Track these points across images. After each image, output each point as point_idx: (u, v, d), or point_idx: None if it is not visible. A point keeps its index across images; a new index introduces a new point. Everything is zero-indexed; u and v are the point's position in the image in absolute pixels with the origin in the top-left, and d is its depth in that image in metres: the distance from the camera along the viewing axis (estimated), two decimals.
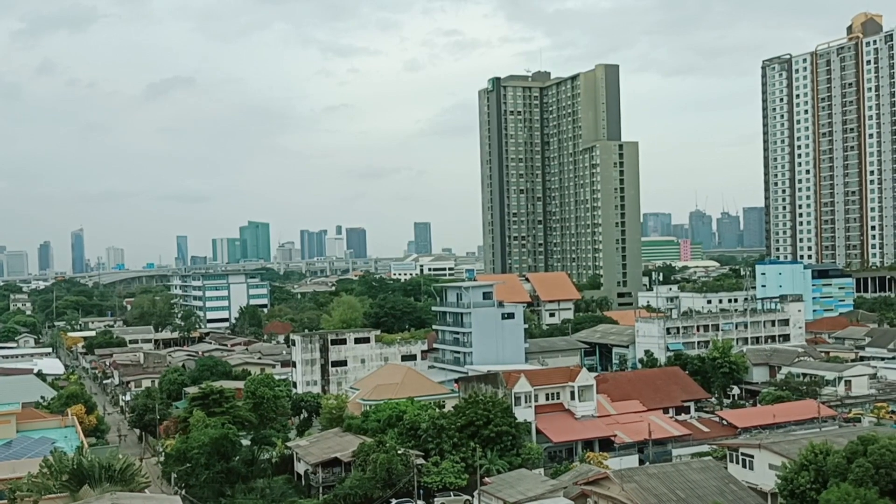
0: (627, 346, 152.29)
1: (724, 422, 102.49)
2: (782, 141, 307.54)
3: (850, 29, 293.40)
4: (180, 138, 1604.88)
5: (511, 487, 77.01)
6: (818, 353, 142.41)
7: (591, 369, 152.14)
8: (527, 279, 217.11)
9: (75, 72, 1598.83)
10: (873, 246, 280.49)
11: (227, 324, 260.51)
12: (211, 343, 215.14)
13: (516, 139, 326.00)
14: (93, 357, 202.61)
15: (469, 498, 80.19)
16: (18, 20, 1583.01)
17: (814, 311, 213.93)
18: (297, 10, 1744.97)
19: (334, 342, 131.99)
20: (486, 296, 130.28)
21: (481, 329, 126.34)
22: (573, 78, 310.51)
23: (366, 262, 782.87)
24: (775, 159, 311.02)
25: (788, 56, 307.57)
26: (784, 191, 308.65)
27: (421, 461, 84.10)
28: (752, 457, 76.72)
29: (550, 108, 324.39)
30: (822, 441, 68.35)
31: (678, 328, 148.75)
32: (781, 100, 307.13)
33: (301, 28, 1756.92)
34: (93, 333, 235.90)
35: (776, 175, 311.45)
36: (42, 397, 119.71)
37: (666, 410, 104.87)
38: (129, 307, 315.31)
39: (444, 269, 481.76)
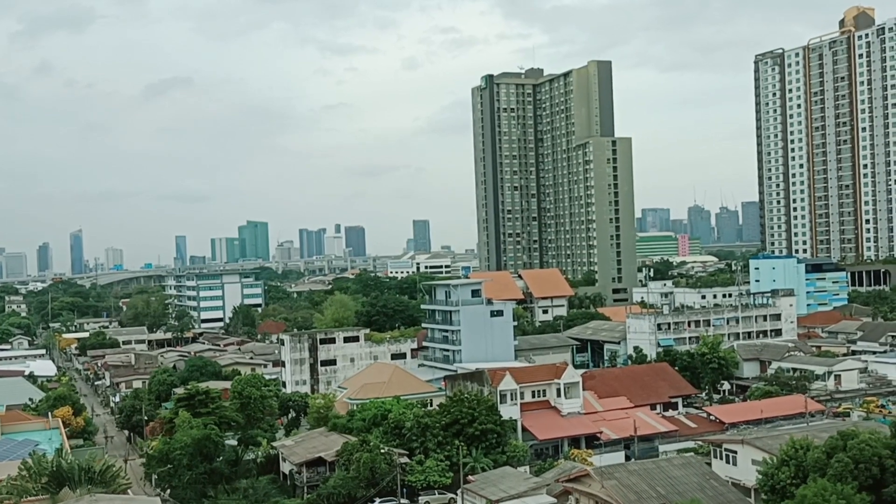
0: (619, 343, 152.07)
1: (712, 417, 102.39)
2: (775, 135, 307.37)
3: (842, 23, 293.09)
4: (179, 138, 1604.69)
5: (494, 485, 76.85)
6: (809, 348, 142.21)
7: (582, 366, 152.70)
8: (520, 276, 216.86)
9: (74, 72, 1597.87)
10: (868, 239, 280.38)
11: (221, 324, 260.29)
12: (204, 343, 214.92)
13: (510, 136, 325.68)
14: (86, 358, 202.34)
15: (454, 496, 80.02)
16: (17, 21, 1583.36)
17: (808, 305, 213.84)
18: (296, 9, 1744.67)
19: (323, 341, 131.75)
20: (475, 293, 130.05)
21: (470, 327, 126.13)
22: (566, 75, 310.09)
23: (365, 260, 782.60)
24: (769, 154, 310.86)
25: (781, 51, 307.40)
26: (778, 185, 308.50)
27: (405, 460, 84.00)
28: (735, 452, 76.57)
29: (544, 105, 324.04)
30: (802, 436, 68.24)
31: (669, 324, 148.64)
32: (774, 94, 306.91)
33: (299, 27, 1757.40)
34: (87, 335, 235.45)
35: (770, 170, 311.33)
36: (30, 399, 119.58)
37: (653, 406, 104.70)
38: (125, 308, 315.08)
39: (441, 267, 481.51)
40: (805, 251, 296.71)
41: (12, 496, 65.43)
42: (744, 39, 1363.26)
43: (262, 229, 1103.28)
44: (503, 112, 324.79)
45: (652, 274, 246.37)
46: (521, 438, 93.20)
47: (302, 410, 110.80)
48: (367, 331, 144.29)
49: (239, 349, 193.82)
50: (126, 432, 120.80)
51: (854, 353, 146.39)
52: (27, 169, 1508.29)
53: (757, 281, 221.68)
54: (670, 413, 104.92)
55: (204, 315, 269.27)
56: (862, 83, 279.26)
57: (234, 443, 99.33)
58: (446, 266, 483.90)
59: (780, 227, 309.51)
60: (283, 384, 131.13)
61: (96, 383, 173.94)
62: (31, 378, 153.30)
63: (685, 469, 69.63)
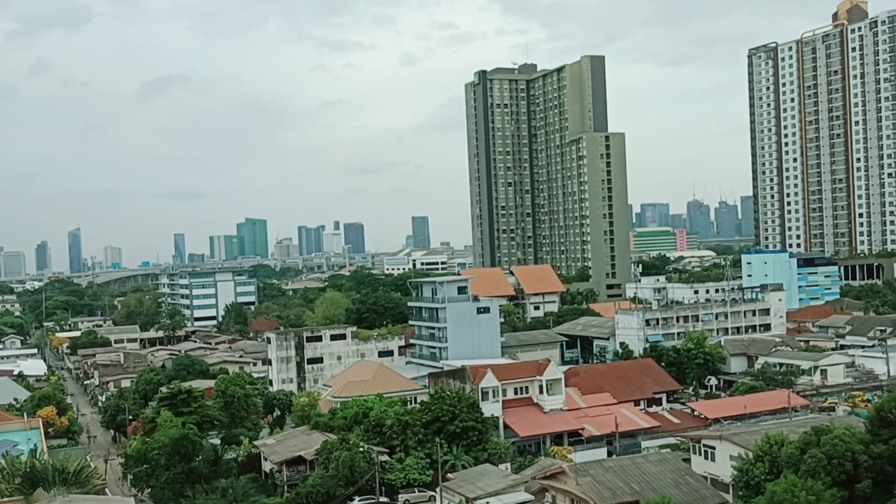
0: (608, 339, 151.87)
1: (696, 413, 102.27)
2: (769, 129, 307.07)
3: (835, 16, 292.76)
4: (177, 137, 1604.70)
5: (473, 483, 76.77)
6: (796, 343, 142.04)
7: (572, 362, 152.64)
8: (511, 272, 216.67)
9: (71, 71, 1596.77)
10: (861, 233, 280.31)
11: (214, 322, 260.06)
12: (196, 341, 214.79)
13: (503, 132, 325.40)
14: (77, 358, 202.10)
15: (434, 494, 79.87)
16: (13, 20, 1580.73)
17: (800, 299, 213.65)
18: (293, 6, 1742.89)
19: (310, 339, 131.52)
20: (461, 290, 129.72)
21: (456, 324, 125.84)
22: (559, 70, 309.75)
23: (364, 257, 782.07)
24: (762, 148, 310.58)
25: (774, 44, 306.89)
26: (772, 179, 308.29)
27: (385, 458, 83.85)
28: (713, 448, 76.40)
29: (537, 101, 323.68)
30: (777, 432, 68.14)
31: (657, 319, 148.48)
32: (768, 88, 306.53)
33: (297, 24, 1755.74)
34: (79, 334, 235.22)
35: (764, 164, 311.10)
36: (15, 399, 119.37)
37: (637, 403, 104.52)
38: (119, 307, 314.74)
39: (437, 264, 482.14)
40: (799, 245, 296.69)
41: None
42: (743, 33, 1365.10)
43: (261, 227, 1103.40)
44: (496, 108, 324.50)
45: (641, 269, 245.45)
46: (503, 435, 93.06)
47: (287, 409, 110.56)
48: (354, 328, 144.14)
49: (230, 347, 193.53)
50: (112, 432, 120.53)
51: (843, 347, 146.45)
52: (26, 168, 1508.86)
53: (749, 276, 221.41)
54: (654, 409, 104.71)
55: (197, 313, 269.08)
56: (855, 77, 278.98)
57: (218, 441, 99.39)
58: (442, 262, 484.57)
59: (773, 221, 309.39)
60: (271, 382, 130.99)
61: (86, 382, 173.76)
62: (21, 377, 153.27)
63: (661, 465, 69.54)
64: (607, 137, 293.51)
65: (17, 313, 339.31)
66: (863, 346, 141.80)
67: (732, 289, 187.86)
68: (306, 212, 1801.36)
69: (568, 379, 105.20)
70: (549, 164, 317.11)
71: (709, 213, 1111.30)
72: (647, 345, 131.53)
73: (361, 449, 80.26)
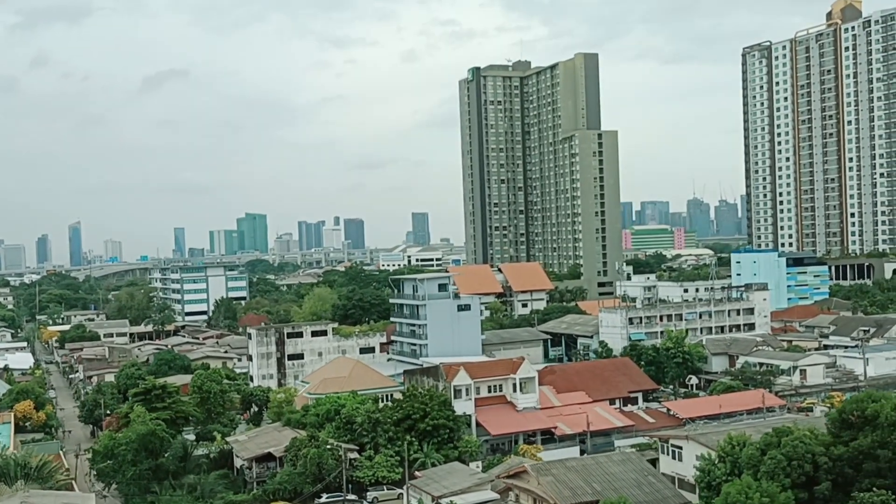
0: (591, 337, 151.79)
1: (671, 412, 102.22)
2: (762, 128, 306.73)
3: (829, 15, 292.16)
4: (178, 131, 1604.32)
5: (440, 481, 76.79)
6: (778, 343, 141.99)
7: (557, 360, 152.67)
8: (499, 270, 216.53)
9: (71, 65, 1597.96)
10: (853, 233, 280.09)
11: (205, 317, 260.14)
12: (184, 336, 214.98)
13: (497, 129, 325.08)
14: (65, 351, 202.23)
15: (403, 492, 79.85)
16: (14, 13, 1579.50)
17: (788, 299, 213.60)
18: (294, 1, 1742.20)
19: (290, 335, 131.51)
20: (442, 287, 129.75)
21: (436, 321, 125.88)
22: (552, 67, 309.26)
23: (364, 253, 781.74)
24: (756, 147, 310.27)
25: (768, 43, 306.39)
26: (765, 178, 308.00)
27: (354, 455, 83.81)
28: (680, 448, 76.31)
29: (531, 98, 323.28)
30: (739, 433, 68.11)
31: (641, 318, 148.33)
32: (761, 87, 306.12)
33: (298, 19, 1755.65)
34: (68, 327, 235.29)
35: (757, 163, 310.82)
36: None
37: (612, 401, 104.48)
38: (113, 300, 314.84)
39: (432, 260, 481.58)
40: (791, 245, 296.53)
41: None
42: (745, 31, 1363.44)
43: (261, 222, 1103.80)
44: (490, 104, 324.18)
45: (633, 268, 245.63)
46: (476, 433, 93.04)
47: (264, 405, 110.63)
48: (336, 325, 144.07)
49: (217, 343, 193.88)
50: (91, 427, 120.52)
51: (826, 347, 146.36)
52: (27, 161, 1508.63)
53: (738, 275, 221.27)
54: (629, 408, 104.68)
55: (188, 308, 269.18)
56: (848, 76, 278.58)
57: (193, 437, 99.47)
58: (437, 259, 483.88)
59: (766, 220, 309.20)
60: (251, 378, 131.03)
61: (71, 377, 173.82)
62: (6, 371, 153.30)
63: (624, 465, 69.56)
64: (600, 135, 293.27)
65: (10, 306, 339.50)
66: (846, 347, 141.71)
67: (719, 288, 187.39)
68: (307, 207, 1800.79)
69: (544, 377, 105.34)
70: (542, 162, 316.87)
71: (709, 212, 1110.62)
72: (627, 344, 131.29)
73: (329, 446, 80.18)
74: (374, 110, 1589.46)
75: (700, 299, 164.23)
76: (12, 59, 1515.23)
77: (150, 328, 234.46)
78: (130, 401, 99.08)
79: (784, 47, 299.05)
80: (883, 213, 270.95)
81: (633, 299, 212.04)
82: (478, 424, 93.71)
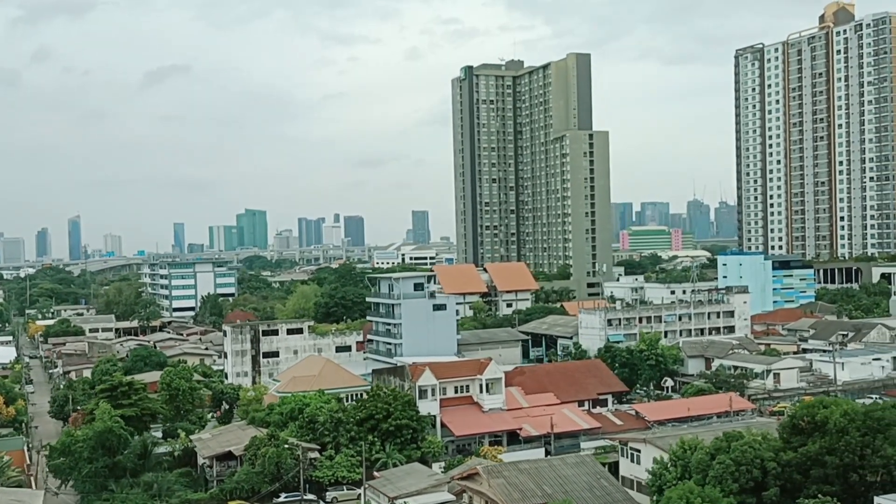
0: (571, 338, 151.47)
1: (639, 415, 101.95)
2: (754, 131, 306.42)
3: (822, 18, 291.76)
4: (179, 126, 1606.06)
5: (397, 482, 76.53)
6: (755, 346, 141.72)
7: (537, 360, 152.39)
8: (485, 269, 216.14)
9: (73, 59, 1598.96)
10: (842, 237, 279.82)
11: (192, 312, 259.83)
12: (169, 332, 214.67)
13: (489, 128, 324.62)
14: (48, 346, 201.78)
15: (362, 492, 79.63)
16: (17, 7, 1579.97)
17: (774, 302, 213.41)
18: None
19: (265, 333, 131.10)
20: (418, 287, 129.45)
21: (411, 320, 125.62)
22: (544, 67, 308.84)
23: (363, 250, 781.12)
24: (747, 149, 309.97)
25: (761, 45, 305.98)
26: (756, 181, 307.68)
27: (315, 455, 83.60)
28: (638, 451, 76.22)
29: (523, 98, 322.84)
30: (692, 437, 67.91)
31: (620, 320, 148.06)
32: (753, 90, 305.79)
33: (301, 16, 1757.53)
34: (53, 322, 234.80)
35: (748, 165, 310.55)
36: None
37: (581, 403, 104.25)
38: (102, 295, 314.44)
39: (426, 258, 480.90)
40: (781, 248, 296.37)
41: None
42: (748, 32, 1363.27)
43: (261, 218, 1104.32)
44: (482, 104, 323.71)
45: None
46: (441, 434, 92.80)
47: (234, 403, 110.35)
48: (312, 323, 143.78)
49: (200, 339, 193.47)
50: (61, 422, 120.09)
51: (805, 351, 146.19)
52: (27, 154, 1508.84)
53: (724, 277, 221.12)
54: (599, 410, 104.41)
55: (176, 304, 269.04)
56: (839, 80, 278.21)
57: (160, 434, 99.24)
58: (431, 257, 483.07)
59: (756, 223, 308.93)
60: (226, 375, 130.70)
61: (50, 371, 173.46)
62: None
63: (577, 468, 69.34)
64: (591, 136, 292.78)
65: (1, 300, 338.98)
66: (824, 351, 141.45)
67: (705, 290, 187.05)
68: (307, 204, 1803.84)
69: (513, 378, 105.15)
70: (533, 162, 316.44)
71: (709, 213, 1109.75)
72: (602, 346, 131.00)
73: (288, 446, 79.94)
74: (375, 108, 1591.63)
75: (680, 301, 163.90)
76: (14, 53, 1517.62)
77: (135, 323, 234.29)
78: (96, 397, 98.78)
79: (776, 50, 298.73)
80: (872, 217, 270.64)
81: (620, 300, 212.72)
82: (443, 425, 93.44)
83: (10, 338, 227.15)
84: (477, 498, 68.60)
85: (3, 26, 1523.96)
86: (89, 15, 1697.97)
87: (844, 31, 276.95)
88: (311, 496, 79.73)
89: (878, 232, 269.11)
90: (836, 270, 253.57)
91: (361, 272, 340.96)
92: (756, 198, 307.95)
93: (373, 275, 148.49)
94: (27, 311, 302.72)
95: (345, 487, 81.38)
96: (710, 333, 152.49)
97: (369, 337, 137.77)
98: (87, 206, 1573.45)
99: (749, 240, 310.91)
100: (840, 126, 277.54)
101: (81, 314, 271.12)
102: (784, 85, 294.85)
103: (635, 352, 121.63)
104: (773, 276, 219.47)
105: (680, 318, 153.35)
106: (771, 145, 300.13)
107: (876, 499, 55.83)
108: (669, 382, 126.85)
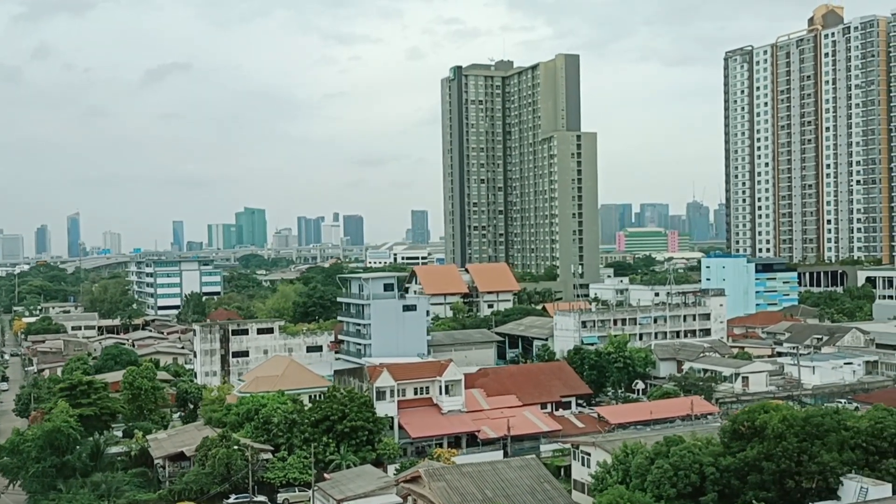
0: (547, 339, 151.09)
1: (601, 418, 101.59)
2: (743, 133, 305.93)
3: (811, 20, 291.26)
4: (179, 124, 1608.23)
5: (346, 484, 76.17)
6: (727, 349, 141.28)
7: (513, 361, 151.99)
8: (466, 270, 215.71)
9: (74, 57, 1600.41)
10: (829, 240, 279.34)
11: (177, 311, 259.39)
12: (150, 331, 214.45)
13: (477, 128, 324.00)
14: (28, 343, 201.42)
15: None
16: (19, 4, 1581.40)
17: (757, 305, 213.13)
18: None
19: (235, 332, 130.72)
20: (388, 287, 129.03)
21: (380, 321, 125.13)
22: (533, 68, 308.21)
23: (361, 249, 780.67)
24: (735, 152, 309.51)
25: (750, 48, 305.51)
26: (744, 183, 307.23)
27: (268, 456, 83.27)
28: (588, 454, 75.88)
29: (512, 98, 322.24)
30: (635, 441, 67.61)
31: (594, 322, 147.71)
32: (742, 92, 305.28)
33: (302, 15, 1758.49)
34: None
35: (736, 168, 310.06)
36: None
37: (545, 406, 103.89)
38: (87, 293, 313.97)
39: (418, 258, 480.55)
40: (769, 250, 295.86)
41: None
42: (750, 34, 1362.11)
43: (260, 216, 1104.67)
44: (471, 104, 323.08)
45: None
46: (398, 436, 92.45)
47: (198, 403, 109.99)
48: (283, 322, 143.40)
49: (180, 338, 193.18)
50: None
51: (780, 354, 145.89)
52: (28, 151, 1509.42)
53: (708, 279, 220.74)
54: (562, 412, 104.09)
55: (161, 302, 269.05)
56: (827, 82, 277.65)
57: (120, 434, 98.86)
58: (423, 257, 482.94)
59: (745, 225, 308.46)
60: (195, 375, 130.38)
61: (27, 369, 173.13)
62: None
63: (521, 471, 68.89)
64: (579, 137, 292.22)
65: None
66: (801, 354, 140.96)
67: (679, 293, 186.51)
68: (307, 203, 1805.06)
69: (476, 380, 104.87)
70: (522, 162, 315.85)
71: (708, 215, 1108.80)
72: (571, 348, 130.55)
73: (238, 447, 79.58)
74: (376, 107, 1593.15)
75: (657, 304, 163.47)
76: (15, 50, 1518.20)
77: (117, 321, 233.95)
78: (55, 396, 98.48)
79: (765, 52, 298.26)
80: (859, 220, 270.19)
81: (604, 302, 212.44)
82: (400, 427, 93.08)
83: None
84: (420, 501, 68.19)
85: (5, 23, 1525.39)
86: (90, 13, 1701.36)
87: (833, 33, 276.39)
88: (261, 497, 79.36)
89: (865, 235, 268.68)
90: (822, 274, 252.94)
91: (353, 271, 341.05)
92: (744, 200, 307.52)
93: (344, 275, 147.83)
94: (14, 309, 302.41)
95: (296, 489, 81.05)
96: (685, 336, 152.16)
97: (340, 337, 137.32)
98: (87, 204, 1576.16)
99: (737, 242, 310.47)
100: (827, 129, 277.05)
101: (68, 312, 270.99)
102: (773, 87, 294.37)
103: (604, 354, 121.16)
104: (756, 279, 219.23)
105: (655, 321, 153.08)
106: (759, 148, 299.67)
107: None
108: (641, 385, 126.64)
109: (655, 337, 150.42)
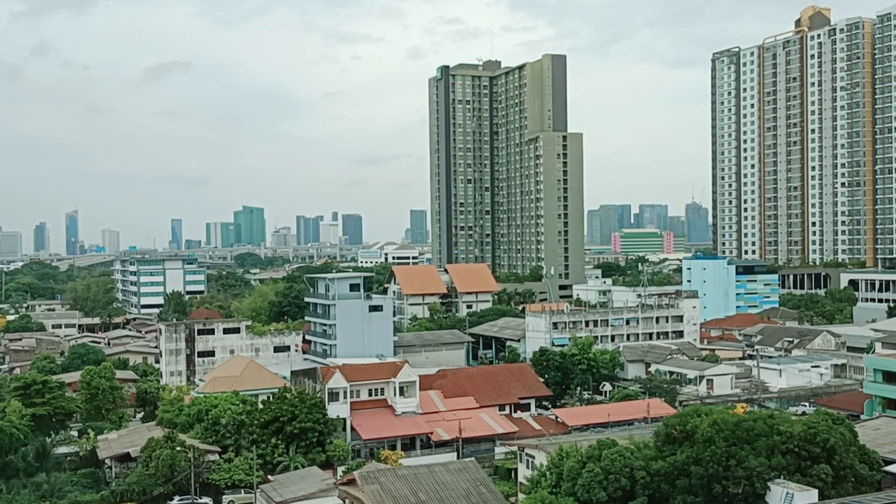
0: (519, 341, 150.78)
1: (559, 420, 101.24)
2: (729, 135, 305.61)
3: (798, 22, 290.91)
4: (179, 122, 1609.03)
5: (288, 486, 75.86)
6: (696, 351, 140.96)
7: (487, 362, 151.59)
8: (445, 270, 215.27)
9: (75, 54, 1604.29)
10: (813, 242, 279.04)
11: (160, 309, 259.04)
12: (129, 329, 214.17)
13: (464, 128, 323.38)
14: (5, 341, 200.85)
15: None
16: (19, 1, 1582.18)
17: (737, 307, 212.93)
18: None
19: (201, 332, 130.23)
20: (354, 287, 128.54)
21: (346, 321, 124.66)
22: (520, 68, 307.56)
23: (360, 248, 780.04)
24: (722, 153, 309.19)
25: (737, 49, 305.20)
26: (730, 185, 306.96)
27: (214, 457, 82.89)
28: (533, 457, 75.49)
29: (499, 98, 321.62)
30: (570, 444, 67.24)
31: (566, 323, 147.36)
32: (729, 94, 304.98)
33: (304, 14, 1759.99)
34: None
35: (723, 169, 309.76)
36: None
37: (503, 407, 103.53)
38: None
39: (408, 258, 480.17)
40: (754, 252, 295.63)
41: None
42: (751, 35, 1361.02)
43: (258, 215, 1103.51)
44: (458, 104, 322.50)
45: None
46: (350, 438, 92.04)
47: (156, 403, 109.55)
48: (250, 322, 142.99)
49: (156, 337, 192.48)
50: None
51: (751, 357, 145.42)
52: (27, 148, 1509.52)
53: (689, 281, 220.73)
54: (520, 414, 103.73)
55: (145, 301, 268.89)
56: (813, 84, 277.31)
57: (76, 434, 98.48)
58: (414, 257, 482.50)
59: (731, 227, 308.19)
60: (161, 375, 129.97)
61: (0, 367, 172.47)
62: None
63: (459, 475, 68.34)
64: (565, 137, 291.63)
65: None
66: (770, 357, 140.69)
67: (641, 294, 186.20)
68: (306, 201, 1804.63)
69: (434, 381, 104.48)
70: (508, 163, 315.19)
71: (706, 216, 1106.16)
72: (537, 350, 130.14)
73: (182, 448, 79.18)
74: (377, 106, 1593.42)
75: (632, 305, 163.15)
76: (15, 47, 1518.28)
77: (98, 320, 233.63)
78: (9, 395, 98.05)
79: (752, 53, 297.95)
80: (843, 223, 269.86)
81: (585, 303, 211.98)
82: (352, 428, 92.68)
83: None
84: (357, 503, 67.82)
85: (5, 20, 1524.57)
86: (91, 10, 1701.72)
87: (819, 35, 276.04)
88: (206, 499, 78.99)
89: (849, 238, 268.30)
90: (805, 276, 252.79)
91: (342, 271, 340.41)
92: (730, 202, 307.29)
93: (311, 275, 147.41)
94: (0, 306, 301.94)
95: (242, 491, 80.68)
96: (658, 338, 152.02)
97: (307, 337, 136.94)
98: (86, 201, 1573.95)
99: (724, 244, 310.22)
100: (813, 131, 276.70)
101: (53, 310, 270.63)
102: (759, 89, 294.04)
103: (567, 356, 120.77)
104: (737, 281, 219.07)
105: (628, 322, 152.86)
106: (745, 149, 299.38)
107: None
108: (608, 387, 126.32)
109: (628, 339, 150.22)
